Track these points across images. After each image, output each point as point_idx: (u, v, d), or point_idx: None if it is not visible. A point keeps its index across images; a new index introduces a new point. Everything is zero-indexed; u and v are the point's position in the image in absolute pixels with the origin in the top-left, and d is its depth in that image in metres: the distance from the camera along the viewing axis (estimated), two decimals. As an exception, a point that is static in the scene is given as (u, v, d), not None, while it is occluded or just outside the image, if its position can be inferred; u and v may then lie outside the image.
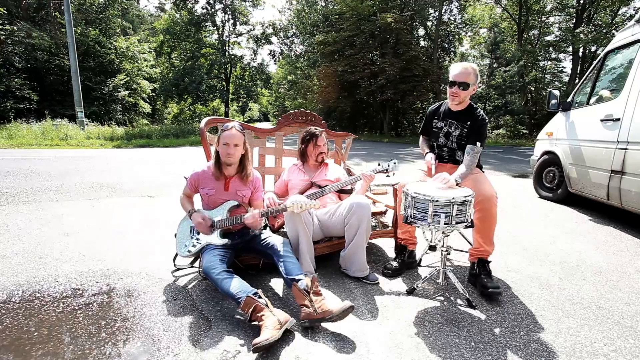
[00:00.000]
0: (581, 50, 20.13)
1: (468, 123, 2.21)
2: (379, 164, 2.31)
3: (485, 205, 2.04)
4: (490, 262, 2.19)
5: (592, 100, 3.98)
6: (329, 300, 1.75)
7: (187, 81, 25.72)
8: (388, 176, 2.31)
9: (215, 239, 2.00)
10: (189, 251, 2.05)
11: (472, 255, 2.20)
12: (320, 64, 23.15)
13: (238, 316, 1.78)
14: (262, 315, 1.59)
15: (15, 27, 15.07)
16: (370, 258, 2.49)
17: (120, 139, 12.40)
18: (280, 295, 2.03)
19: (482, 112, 2.22)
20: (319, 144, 2.53)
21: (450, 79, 2.17)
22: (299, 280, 1.75)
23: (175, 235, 2.19)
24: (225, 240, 2.00)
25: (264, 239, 2.06)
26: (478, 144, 2.15)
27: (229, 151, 1.99)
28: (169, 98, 27.58)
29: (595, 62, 4.15)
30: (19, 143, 10.01)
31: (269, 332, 1.51)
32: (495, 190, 2.12)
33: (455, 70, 2.16)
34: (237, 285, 1.71)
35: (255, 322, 1.60)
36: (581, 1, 19.02)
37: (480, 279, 2.09)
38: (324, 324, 1.71)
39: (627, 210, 3.37)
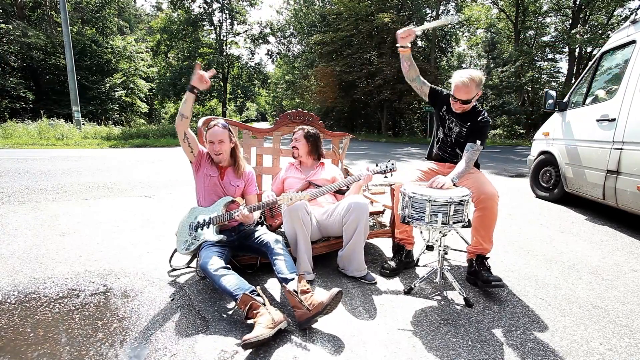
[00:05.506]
0: (577, 50, 20.27)
1: (468, 124, 2.23)
2: (377, 165, 2.31)
3: (487, 204, 2.05)
4: (488, 258, 2.20)
5: (588, 100, 4.01)
6: (317, 293, 1.74)
7: (185, 81, 25.63)
8: (386, 177, 2.32)
9: (211, 235, 2.00)
10: (187, 248, 2.05)
11: (470, 253, 2.21)
12: (318, 63, 23.16)
13: (235, 316, 1.78)
14: (258, 312, 1.59)
15: (10, 26, 14.97)
16: (368, 258, 2.50)
17: (117, 139, 12.35)
18: (277, 295, 2.03)
19: (485, 113, 2.22)
20: (295, 137, 2.61)
21: (452, 92, 2.14)
22: (290, 280, 1.75)
23: (176, 234, 2.19)
24: (221, 236, 2.00)
25: (259, 236, 2.06)
26: (478, 142, 2.16)
27: (214, 148, 2.09)
28: (166, 97, 27.49)
29: (591, 63, 4.17)
30: (14, 143, 9.94)
31: (260, 330, 1.50)
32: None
33: (456, 82, 2.09)
34: (235, 282, 1.70)
35: (251, 320, 1.60)
36: (577, 2, 19.14)
37: (480, 274, 2.10)
38: (320, 322, 1.71)
39: (623, 210, 3.39)
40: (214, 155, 2.12)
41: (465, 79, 2.06)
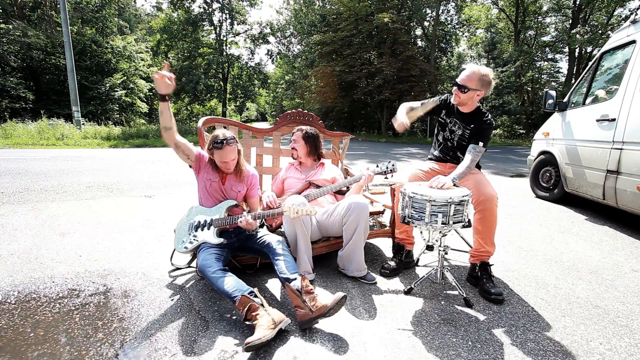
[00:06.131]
0: (577, 50, 20.26)
1: (471, 126, 2.23)
2: (377, 166, 2.31)
3: (486, 206, 2.05)
4: (492, 265, 2.19)
5: (588, 100, 4.01)
6: (322, 295, 1.75)
7: (185, 81, 25.66)
8: (386, 178, 2.32)
9: (212, 237, 2.00)
10: (185, 247, 2.04)
11: (474, 257, 2.20)
12: (318, 63, 23.14)
13: (235, 316, 1.78)
14: (257, 314, 1.59)
15: (10, 26, 14.96)
16: (368, 258, 2.49)
17: (117, 139, 12.34)
18: (278, 295, 2.03)
19: (489, 116, 2.23)
20: (294, 138, 2.61)
21: (457, 78, 2.20)
22: (293, 280, 1.75)
23: (175, 231, 2.18)
24: (221, 240, 2.00)
25: (260, 237, 2.06)
26: (480, 144, 2.16)
27: (227, 167, 2.06)
28: (166, 97, 27.43)
29: (591, 63, 4.17)
30: (15, 143, 9.94)
31: (261, 332, 1.50)
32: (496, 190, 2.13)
33: (464, 71, 2.17)
34: (233, 284, 1.71)
35: (250, 322, 1.60)
36: (577, 2, 19.14)
37: (482, 283, 2.09)
38: (321, 322, 1.71)
39: (623, 210, 3.39)
40: (225, 170, 2.08)
41: (474, 68, 2.14)
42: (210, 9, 27.38)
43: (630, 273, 2.48)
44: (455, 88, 2.18)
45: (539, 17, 22.48)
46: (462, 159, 2.26)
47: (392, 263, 2.35)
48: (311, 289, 1.72)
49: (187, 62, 26.86)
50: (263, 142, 2.93)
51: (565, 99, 4.45)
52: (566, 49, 20.91)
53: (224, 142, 1.97)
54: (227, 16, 28.28)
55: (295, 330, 1.68)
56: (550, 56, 23.67)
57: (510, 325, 1.78)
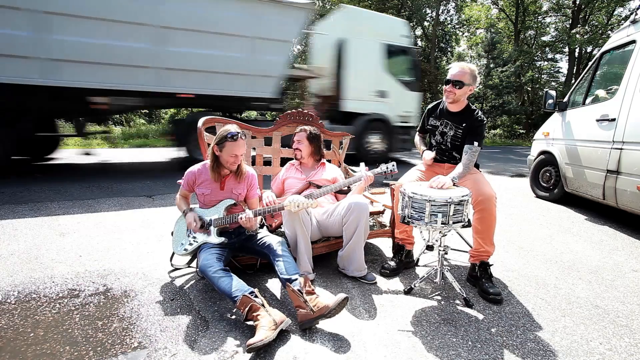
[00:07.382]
0: (577, 50, 20.27)
1: (463, 125, 2.22)
2: (377, 166, 2.31)
3: (485, 206, 2.04)
4: (491, 265, 2.19)
5: (588, 100, 4.01)
6: (323, 296, 1.75)
7: (184, 81, 25.61)
8: (387, 178, 2.31)
9: (212, 237, 2.00)
10: (185, 249, 2.04)
11: (473, 257, 2.19)
12: (318, 63, 23.13)
13: (235, 316, 1.78)
14: (258, 314, 1.59)
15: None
16: (368, 258, 2.49)
17: (117, 139, 12.33)
18: (278, 295, 2.03)
19: (480, 113, 2.22)
20: (297, 138, 2.58)
21: (447, 77, 2.20)
22: (293, 280, 1.75)
23: (172, 233, 2.18)
24: (222, 239, 1.99)
25: (261, 238, 2.05)
26: (476, 143, 2.16)
27: (236, 161, 2.02)
28: (166, 97, 27.38)
29: (591, 63, 4.18)
30: (14, 143, 9.91)
31: (263, 333, 1.51)
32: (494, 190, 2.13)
33: (452, 69, 2.19)
34: (234, 284, 1.70)
35: (251, 322, 1.60)
36: (577, 2, 19.15)
37: (481, 283, 2.09)
38: (321, 322, 1.71)
39: (623, 210, 3.39)
40: (230, 165, 2.03)
41: (462, 64, 2.20)
42: (210, 9, 27.36)
43: (630, 273, 2.48)
44: (449, 85, 2.17)
45: (539, 17, 22.49)
46: (459, 159, 2.26)
47: (392, 263, 2.35)
48: (312, 290, 1.73)
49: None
50: (263, 142, 2.92)
51: (565, 99, 4.46)
52: (566, 49, 20.93)
53: (239, 134, 1.96)
54: (227, 16, 28.25)
55: (296, 330, 1.68)
56: (550, 56, 23.70)
57: (510, 325, 1.78)
